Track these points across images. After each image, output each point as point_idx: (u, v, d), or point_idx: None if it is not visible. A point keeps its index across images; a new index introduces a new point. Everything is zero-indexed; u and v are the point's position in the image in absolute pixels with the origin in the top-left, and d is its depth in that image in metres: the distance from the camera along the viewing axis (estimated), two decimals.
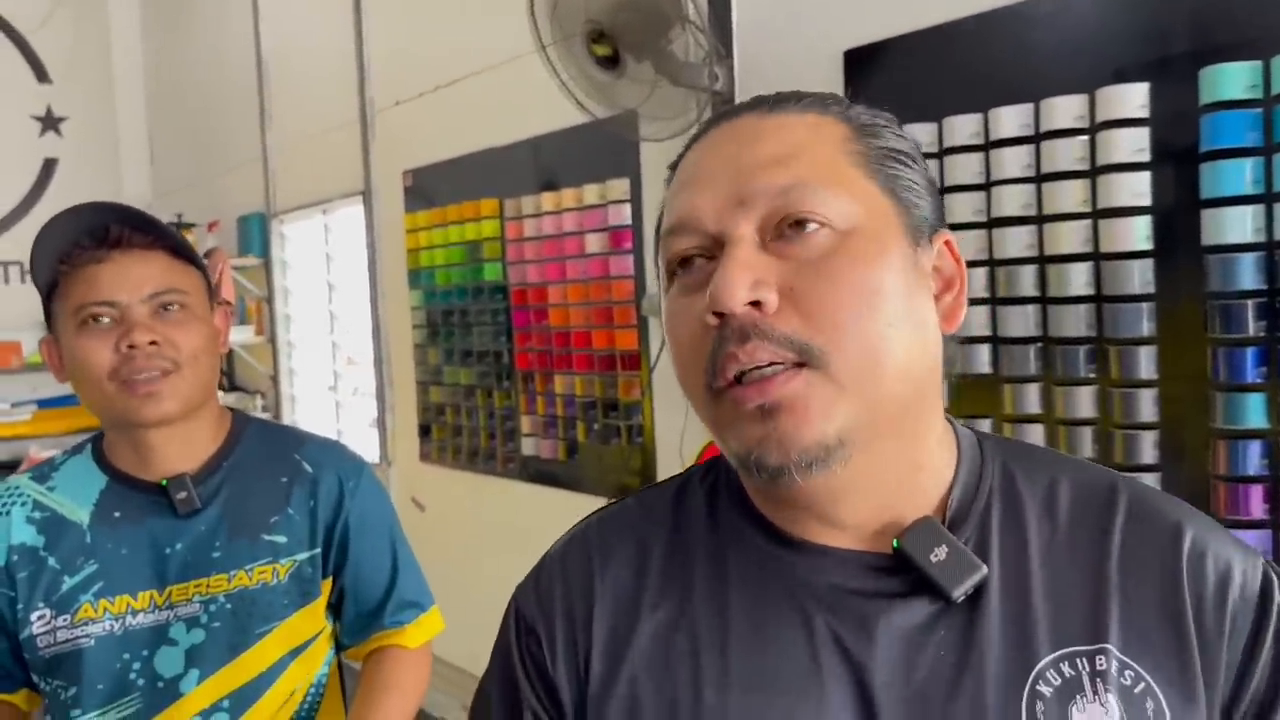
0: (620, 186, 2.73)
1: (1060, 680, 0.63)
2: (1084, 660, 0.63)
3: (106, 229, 1.22)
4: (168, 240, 1.26)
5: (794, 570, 0.67)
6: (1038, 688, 0.62)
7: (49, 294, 1.25)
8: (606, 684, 0.69)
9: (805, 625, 0.65)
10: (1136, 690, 0.62)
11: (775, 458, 0.61)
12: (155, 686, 1.26)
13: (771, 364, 0.61)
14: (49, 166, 5.46)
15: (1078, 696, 0.62)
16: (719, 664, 0.66)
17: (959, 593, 0.63)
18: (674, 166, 0.73)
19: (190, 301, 1.26)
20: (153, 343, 1.21)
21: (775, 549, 0.69)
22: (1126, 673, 0.63)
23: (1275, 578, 0.66)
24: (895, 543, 0.65)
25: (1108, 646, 0.63)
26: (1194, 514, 0.69)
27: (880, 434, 0.64)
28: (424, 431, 3.65)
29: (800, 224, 0.63)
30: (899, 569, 0.65)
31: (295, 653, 1.33)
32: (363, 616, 1.39)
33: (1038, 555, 0.66)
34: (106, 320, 1.21)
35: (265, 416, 4.57)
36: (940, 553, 0.64)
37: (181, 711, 1.26)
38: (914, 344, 0.64)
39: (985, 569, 0.64)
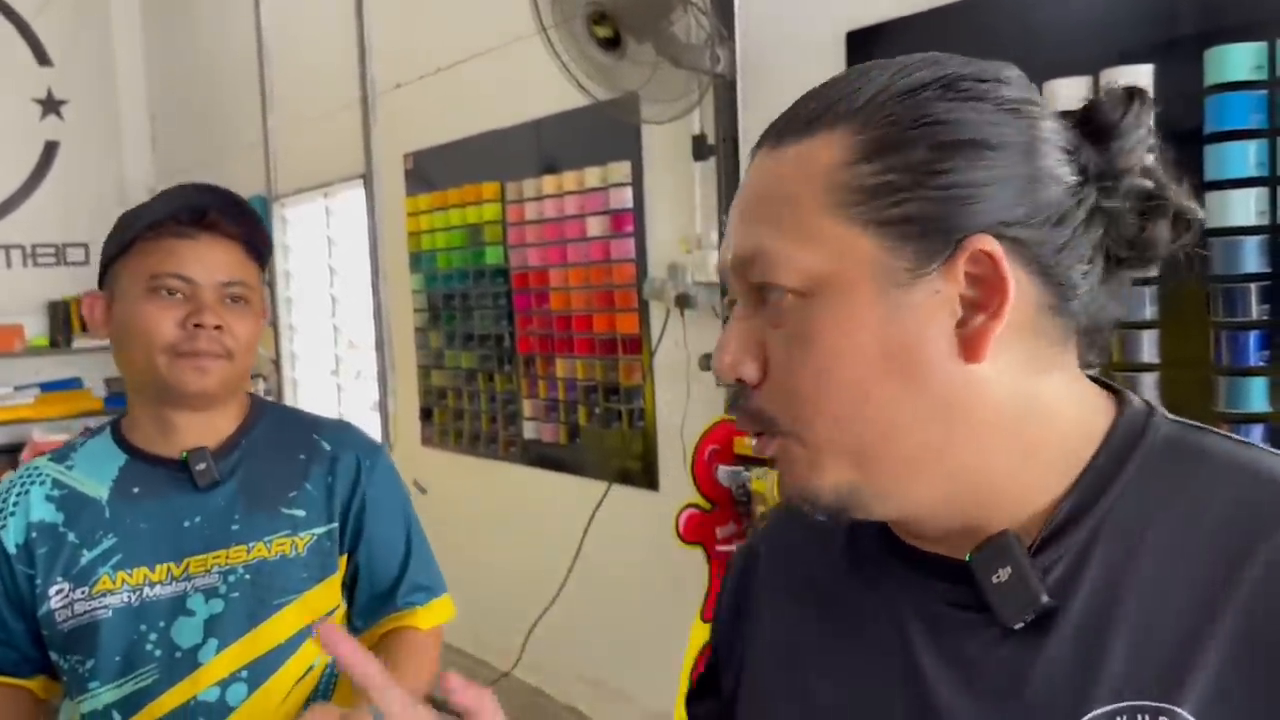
0: (621, 169, 2.72)
1: None
2: (1145, 716, 0.55)
3: (205, 210, 1.27)
4: (252, 234, 1.31)
5: (895, 574, 0.68)
6: None
7: (117, 254, 1.28)
8: (732, 656, 0.77)
9: (897, 628, 0.66)
10: None
11: (795, 502, 0.64)
12: (173, 657, 1.27)
13: (755, 432, 0.64)
14: (50, 150, 5.44)
15: None
16: (824, 656, 0.70)
17: (1016, 621, 0.59)
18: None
19: (253, 296, 1.32)
20: (218, 327, 1.25)
21: (887, 558, 0.69)
22: None
23: None
24: (968, 555, 0.61)
25: (1177, 710, 0.54)
26: None
27: (900, 483, 0.61)
28: (425, 415, 3.65)
29: (760, 289, 0.62)
30: (969, 578, 0.61)
31: (312, 627, 1.34)
32: (376, 597, 1.40)
33: (1138, 594, 0.58)
34: (178, 295, 1.25)
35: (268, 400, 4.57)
36: (1003, 574, 0.59)
37: (199, 681, 1.28)
38: (904, 397, 0.59)
39: (1044, 599, 0.58)
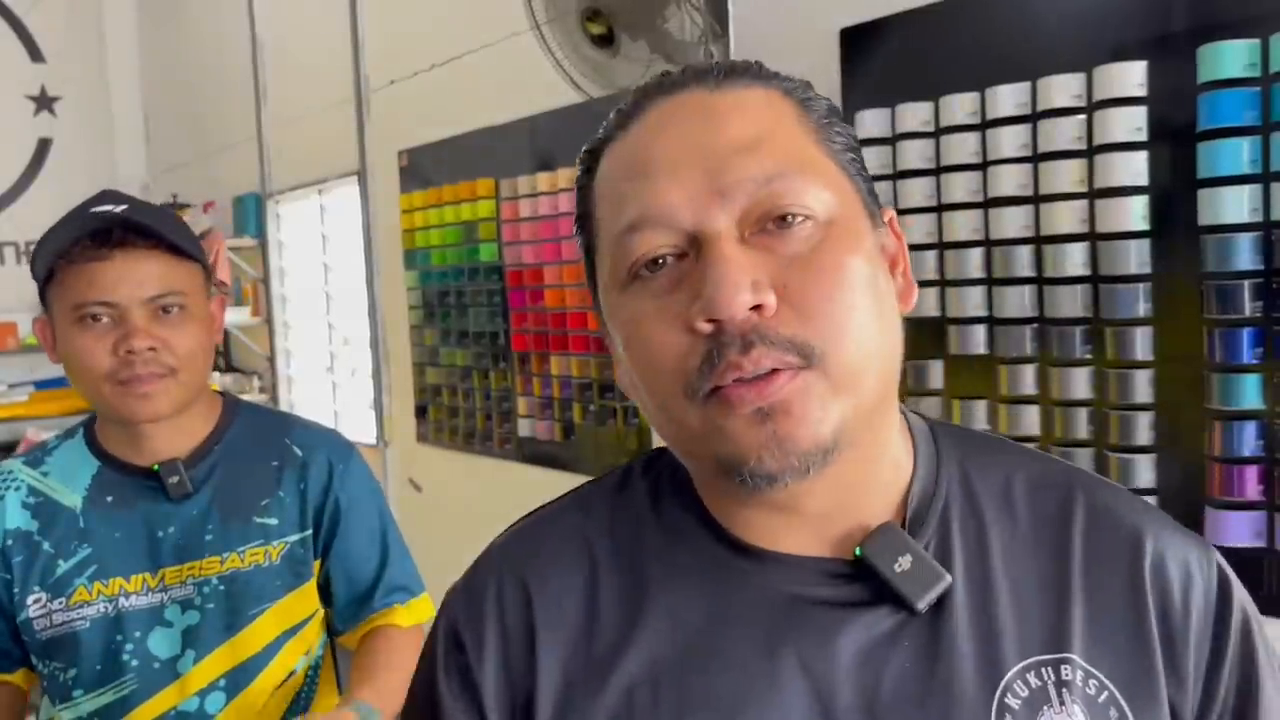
0: None
1: (1028, 691, 0.61)
2: (1049, 670, 0.62)
3: (110, 229, 1.21)
4: (173, 236, 1.25)
5: (751, 580, 0.64)
6: (1006, 700, 0.60)
7: (46, 280, 1.25)
8: (561, 710, 0.63)
9: (765, 642, 0.62)
10: (1100, 699, 0.61)
11: (774, 463, 0.58)
12: (151, 667, 1.27)
13: (774, 369, 0.57)
14: (43, 147, 5.43)
15: (1045, 708, 0.61)
16: (677, 689, 0.62)
17: (924, 604, 0.61)
18: (595, 150, 0.67)
19: (189, 302, 1.26)
20: (151, 348, 1.21)
21: (731, 557, 0.65)
22: (1091, 681, 0.61)
23: (1229, 575, 0.66)
24: (857, 550, 0.62)
25: (1071, 656, 0.62)
26: (1151, 514, 0.68)
27: (873, 427, 0.62)
28: (420, 412, 3.64)
29: (783, 217, 0.60)
30: (860, 576, 0.63)
31: (289, 634, 1.34)
32: (354, 600, 1.40)
33: (1000, 559, 0.64)
34: (105, 320, 1.21)
35: (263, 398, 4.57)
36: (904, 562, 0.61)
37: (180, 691, 1.28)
38: (889, 332, 0.62)
39: (949, 579, 0.62)
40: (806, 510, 0.64)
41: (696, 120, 0.63)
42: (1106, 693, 0.61)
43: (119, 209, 1.21)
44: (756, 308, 0.58)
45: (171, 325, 1.24)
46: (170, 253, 1.25)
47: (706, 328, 0.58)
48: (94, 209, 1.22)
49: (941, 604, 0.62)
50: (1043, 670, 0.61)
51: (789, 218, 0.60)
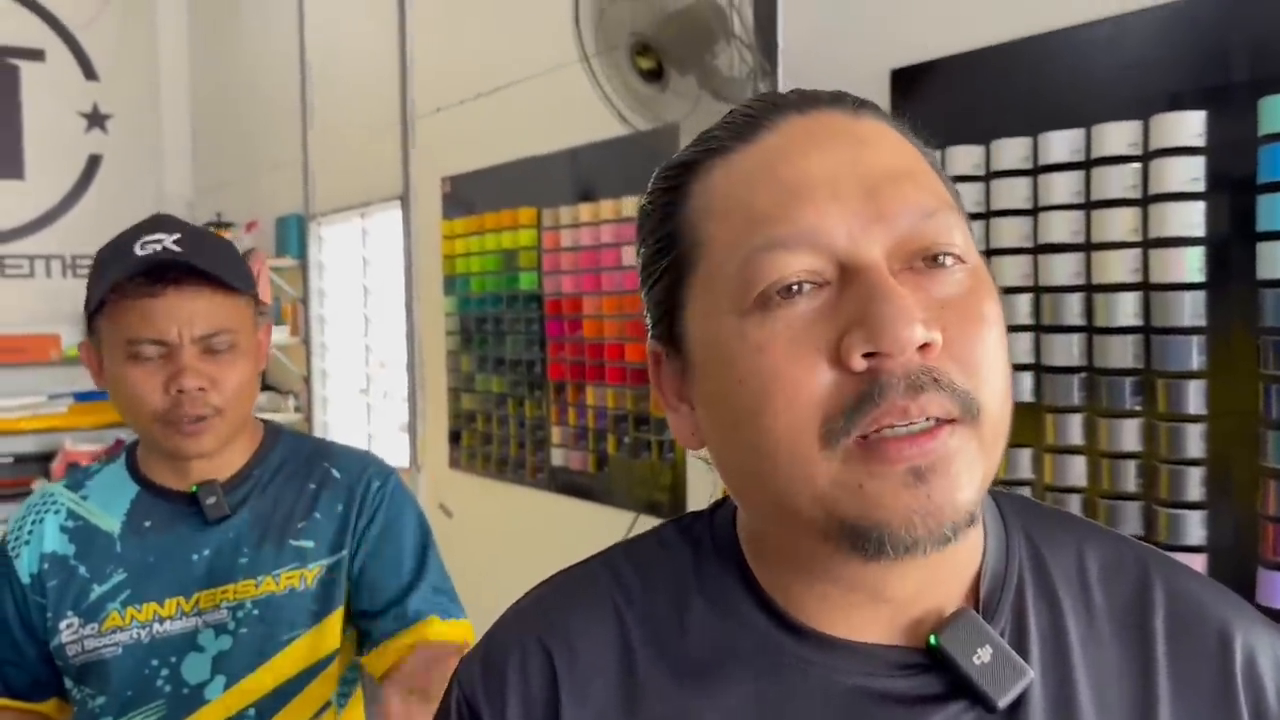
0: None
1: None
2: None
3: (166, 266, 1.21)
4: (225, 271, 1.25)
5: (811, 670, 0.57)
6: None
7: (96, 309, 1.24)
8: None
9: None
10: None
11: (922, 531, 0.51)
12: (180, 693, 1.26)
13: (936, 419, 0.51)
14: (93, 163, 5.52)
15: None
16: None
17: (1005, 702, 0.56)
18: (692, 163, 0.61)
19: (238, 339, 1.26)
20: (200, 388, 1.21)
21: (788, 641, 0.58)
22: None
23: None
24: (933, 639, 0.56)
25: None
26: (1233, 604, 0.63)
27: (983, 495, 0.56)
28: (454, 438, 3.64)
29: (935, 256, 0.54)
30: (933, 667, 0.57)
31: (324, 662, 1.33)
32: (382, 609, 1.36)
33: (1079, 650, 0.59)
34: (155, 356, 1.21)
35: (297, 417, 4.59)
36: (984, 654, 0.55)
37: (206, 718, 1.26)
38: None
39: (1032, 675, 0.56)
40: (890, 593, 0.58)
41: (845, 142, 0.57)
42: None
43: (171, 239, 1.21)
44: (923, 348, 0.52)
45: (221, 363, 1.24)
46: (222, 289, 1.25)
47: (863, 364, 0.51)
48: (147, 238, 1.22)
49: (1019, 699, 0.57)
50: None
51: (941, 257, 0.55)
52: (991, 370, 0.53)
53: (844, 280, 0.53)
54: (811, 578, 0.58)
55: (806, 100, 0.59)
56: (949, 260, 0.55)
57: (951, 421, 0.52)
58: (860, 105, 0.60)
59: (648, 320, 0.66)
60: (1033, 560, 0.62)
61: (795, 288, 0.54)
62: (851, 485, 0.52)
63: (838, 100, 0.60)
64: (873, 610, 0.58)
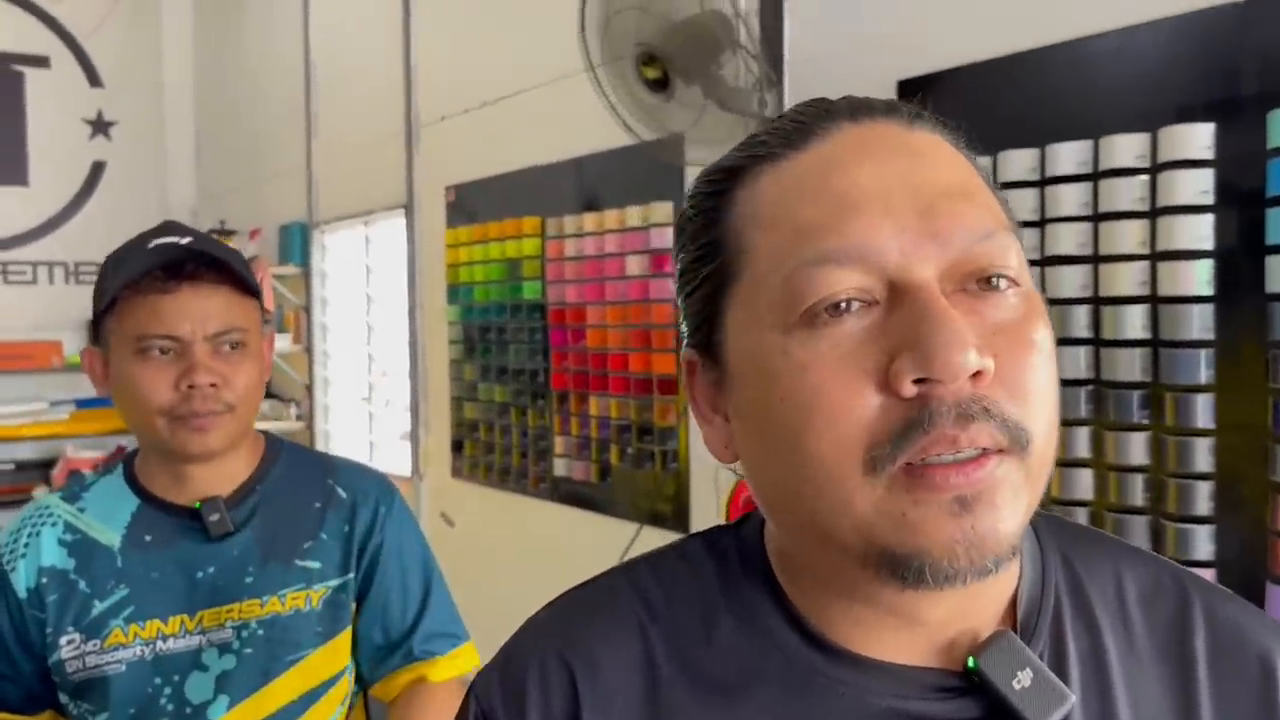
0: (663, 209, 2.71)
1: None
2: None
3: (181, 263, 1.20)
4: (237, 272, 1.25)
5: (845, 692, 0.56)
6: None
7: (105, 309, 1.23)
8: None
9: None
10: None
11: (965, 562, 0.49)
12: (184, 713, 1.24)
13: (984, 449, 0.50)
14: (97, 169, 5.52)
15: None
16: None
17: None
18: (737, 168, 0.58)
19: (248, 339, 1.26)
20: (212, 384, 1.20)
21: (821, 661, 0.57)
22: None
23: None
24: (972, 662, 0.55)
25: None
26: (1276, 633, 0.62)
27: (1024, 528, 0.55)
28: (456, 447, 3.63)
29: (990, 279, 0.52)
30: (970, 690, 0.55)
31: (328, 684, 1.31)
32: (391, 645, 1.36)
33: (1119, 673, 0.58)
34: (167, 353, 1.20)
35: (299, 425, 4.58)
36: (1024, 678, 0.54)
37: None
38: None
39: (1073, 699, 0.55)
40: (925, 617, 0.56)
41: (901, 155, 0.54)
42: None
43: (184, 241, 1.21)
44: (975, 375, 0.50)
45: (232, 362, 1.23)
46: (234, 288, 1.24)
47: (912, 390, 0.49)
48: (158, 240, 1.21)
49: None
50: None
51: (996, 280, 0.53)
52: (1042, 399, 0.52)
53: (893, 300, 0.51)
54: (844, 599, 0.57)
55: (860, 108, 0.57)
56: (1003, 283, 0.53)
57: (1000, 451, 0.50)
58: (916, 116, 0.58)
59: (683, 328, 0.63)
60: (1070, 582, 0.61)
61: (844, 305, 0.52)
62: (894, 513, 0.50)
63: (893, 110, 0.58)
64: (907, 632, 0.57)
